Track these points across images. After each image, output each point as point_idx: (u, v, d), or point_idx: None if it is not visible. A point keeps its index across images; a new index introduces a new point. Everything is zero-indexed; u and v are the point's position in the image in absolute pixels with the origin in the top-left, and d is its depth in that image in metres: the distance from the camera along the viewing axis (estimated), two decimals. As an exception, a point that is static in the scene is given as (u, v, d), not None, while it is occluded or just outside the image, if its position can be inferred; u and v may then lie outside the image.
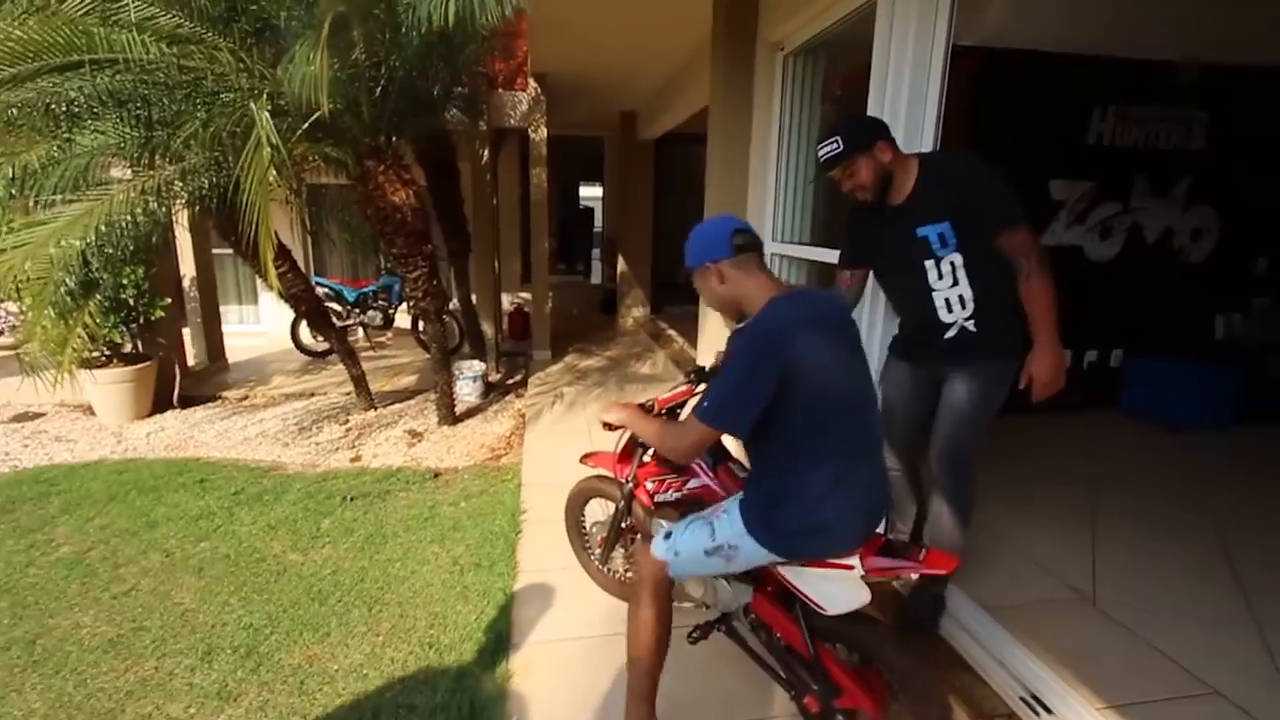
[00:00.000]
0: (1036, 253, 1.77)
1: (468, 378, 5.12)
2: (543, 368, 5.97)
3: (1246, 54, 3.97)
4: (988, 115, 3.58)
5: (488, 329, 5.98)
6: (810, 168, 3.39)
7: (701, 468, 1.90)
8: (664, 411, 2.01)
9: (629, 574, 2.39)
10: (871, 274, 2.18)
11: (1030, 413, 2.18)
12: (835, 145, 1.88)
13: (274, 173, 2.49)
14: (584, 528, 2.56)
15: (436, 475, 3.75)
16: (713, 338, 3.82)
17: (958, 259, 1.83)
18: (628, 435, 2.09)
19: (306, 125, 2.91)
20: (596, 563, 2.47)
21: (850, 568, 1.47)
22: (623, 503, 2.14)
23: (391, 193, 3.60)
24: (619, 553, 2.35)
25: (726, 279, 1.48)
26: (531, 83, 5.62)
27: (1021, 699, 1.79)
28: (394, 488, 3.54)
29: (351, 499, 3.37)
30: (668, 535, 1.67)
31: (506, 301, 7.62)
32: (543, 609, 2.40)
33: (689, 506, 1.95)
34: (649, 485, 2.00)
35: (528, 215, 6.76)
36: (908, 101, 2.29)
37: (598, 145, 8.79)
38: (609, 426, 1.85)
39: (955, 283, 1.85)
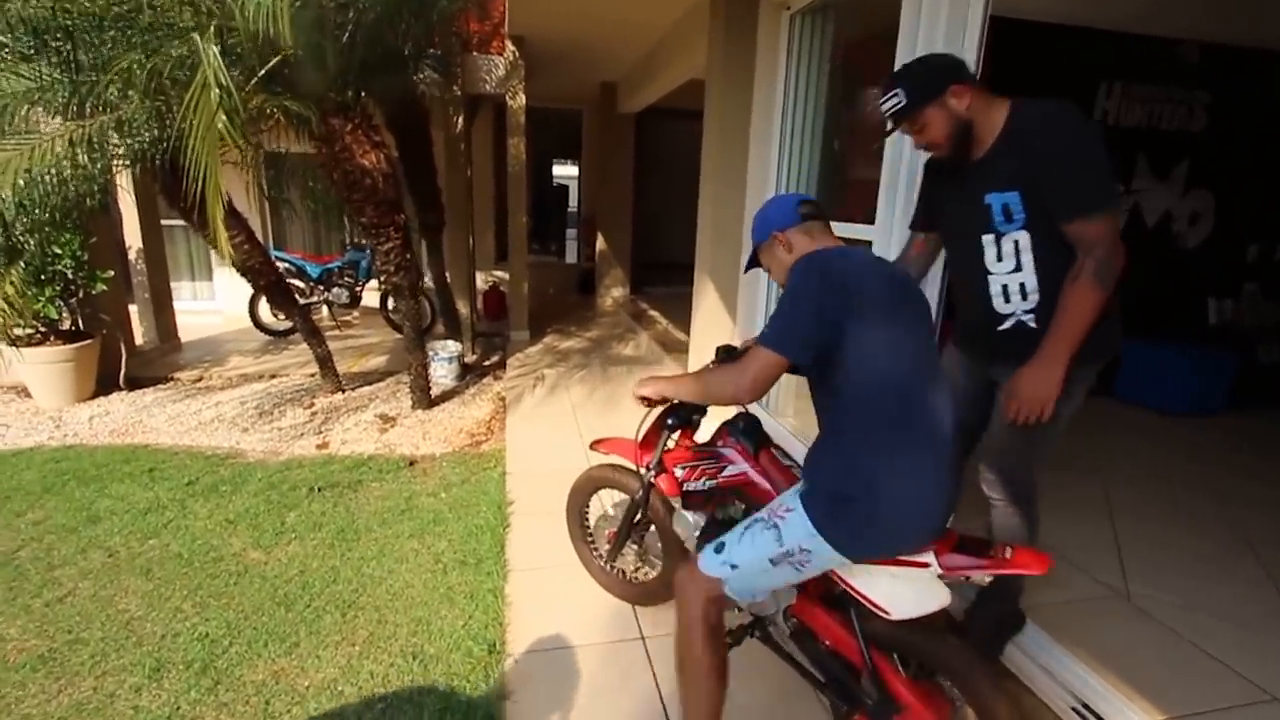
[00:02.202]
0: (1101, 253, 1.42)
1: (443, 359, 4.82)
2: (521, 349, 5.70)
3: (1247, 36, 3.90)
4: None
5: (463, 308, 5.68)
6: (819, 137, 3.19)
7: (741, 452, 1.70)
8: None
9: (638, 573, 2.19)
10: None
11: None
12: (897, 98, 1.58)
13: (224, 121, 2.15)
14: (587, 522, 2.35)
15: (412, 463, 3.48)
16: (708, 320, 3.62)
17: (1023, 239, 1.53)
18: (654, 417, 1.87)
19: (264, 72, 2.57)
20: (601, 561, 2.26)
21: (924, 565, 1.30)
22: (640, 494, 1.94)
23: (360, 155, 3.28)
24: (630, 550, 2.14)
25: (794, 246, 1.45)
26: (509, 46, 5.27)
27: (1073, 709, 1.66)
28: (366, 477, 3.26)
29: (319, 490, 3.09)
30: (719, 548, 1.43)
31: (480, 280, 7.29)
32: (539, 612, 2.19)
33: (723, 498, 1.76)
34: (678, 473, 1.78)
35: (503, 189, 6.44)
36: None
37: (574, 119, 8.44)
38: (647, 401, 1.65)
39: (1017, 267, 1.56)
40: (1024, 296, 1.57)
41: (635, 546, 2.14)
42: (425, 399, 4.29)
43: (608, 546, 2.19)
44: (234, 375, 5.00)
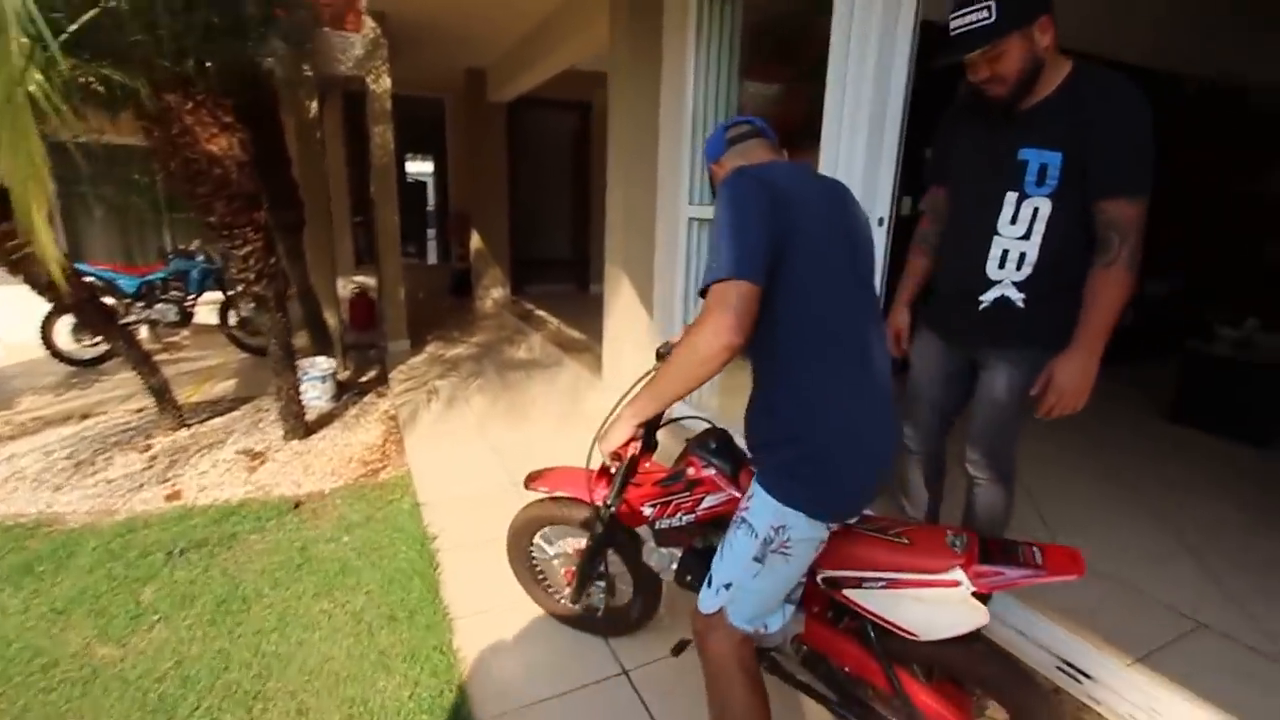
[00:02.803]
0: (1136, 239, 1.39)
1: (315, 378, 4.20)
2: (403, 360, 5.15)
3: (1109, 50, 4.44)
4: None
5: (331, 319, 5.01)
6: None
7: (719, 477, 1.49)
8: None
9: (607, 603, 1.96)
10: None
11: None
12: (986, 13, 1.37)
13: (41, 83, 1.57)
14: (534, 560, 2.08)
15: (298, 505, 2.95)
16: (624, 314, 3.45)
17: (1044, 207, 1.46)
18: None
19: (74, 29, 1.96)
20: (562, 600, 2.01)
21: (954, 584, 1.22)
22: (601, 533, 1.71)
23: (207, 140, 2.68)
24: (595, 586, 1.90)
25: (726, 170, 1.34)
26: (368, 23, 4.70)
27: (1057, 668, 1.72)
28: (241, 529, 2.70)
29: (181, 553, 2.51)
30: (709, 581, 1.32)
31: (341, 286, 6.51)
32: (500, 663, 1.90)
33: (705, 532, 1.58)
34: (647, 511, 1.59)
35: (362, 184, 5.77)
36: (874, 75, 2.09)
37: (432, 108, 7.82)
38: (618, 456, 1.39)
39: (1026, 235, 1.49)
40: (1018, 267, 1.53)
41: (600, 583, 1.92)
42: (300, 427, 3.69)
43: (568, 586, 1.94)
44: (29, 419, 3.99)
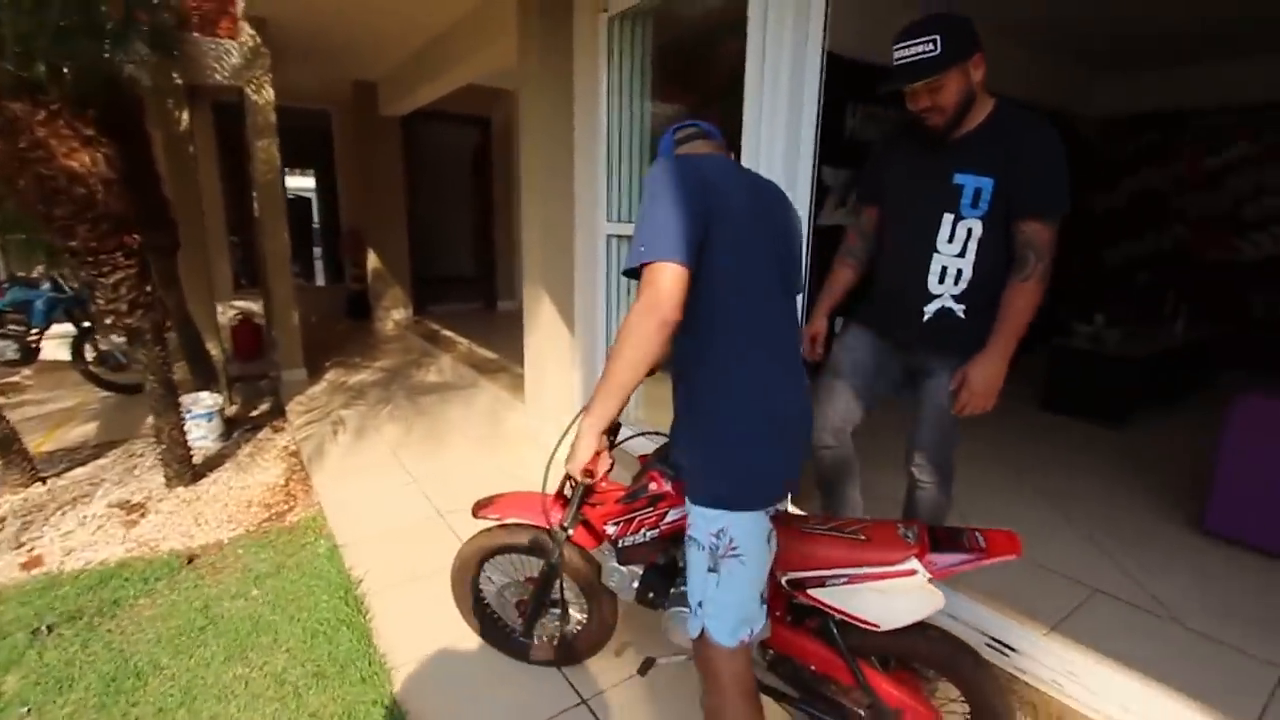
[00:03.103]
0: (1049, 257, 1.55)
1: (200, 416, 3.79)
2: (300, 390, 4.77)
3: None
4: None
5: (213, 349, 4.55)
6: (646, 137, 3.18)
7: (680, 488, 1.52)
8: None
9: (563, 630, 1.90)
10: None
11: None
12: (931, 46, 1.46)
13: None
14: (483, 596, 1.98)
15: (192, 560, 2.65)
16: (546, 331, 3.39)
17: (976, 228, 1.60)
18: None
19: None
20: (515, 635, 1.92)
21: (910, 573, 1.29)
22: (556, 556, 1.67)
23: (66, 155, 2.35)
24: (549, 613, 1.84)
25: None
26: (246, 29, 4.35)
27: (986, 644, 1.86)
28: (125, 593, 2.38)
29: (49, 629, 2.17)
30: (691, 606, 1.34)
31: (221, 312, 5.94)
32: (453, 710, 1.79)
33: (665, 545, 1.58)
34: (610, 529, 1.57)
35: (241, 201, 5.32)
36: (788, 97, 2.22)
37: (315, 121, 7.34)
38: (589, 472, 1.34)
39: (962, 253, 1.62)
40: (956, 282, 1.65)
41: (554, 610, 1.86)
42: (186, 471, 3.31)
43: (520, 619, 1.87)
44: None
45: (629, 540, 1.54)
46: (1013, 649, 1.83)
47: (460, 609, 1.99)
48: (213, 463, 3.61)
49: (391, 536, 2.73)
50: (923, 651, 1.42)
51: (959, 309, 1.67)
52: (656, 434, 1.65)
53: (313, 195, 9.12)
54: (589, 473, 1.31)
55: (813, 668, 1.48)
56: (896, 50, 1.53)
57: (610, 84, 3.10)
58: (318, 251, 9.03)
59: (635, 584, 1.62)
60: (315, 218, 9.15)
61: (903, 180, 1.74)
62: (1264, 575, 2.29)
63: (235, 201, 6.31)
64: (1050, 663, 1.78)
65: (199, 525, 2.95)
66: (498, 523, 1.79)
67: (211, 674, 1.95)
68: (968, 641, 1.77)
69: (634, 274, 1.18)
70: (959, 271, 1.65)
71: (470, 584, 1.93)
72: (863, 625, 1.35)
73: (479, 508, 1.79)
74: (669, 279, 1.12)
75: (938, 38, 1.46)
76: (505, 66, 4.89)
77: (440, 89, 5.19)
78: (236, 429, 4.14)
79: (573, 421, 1.45)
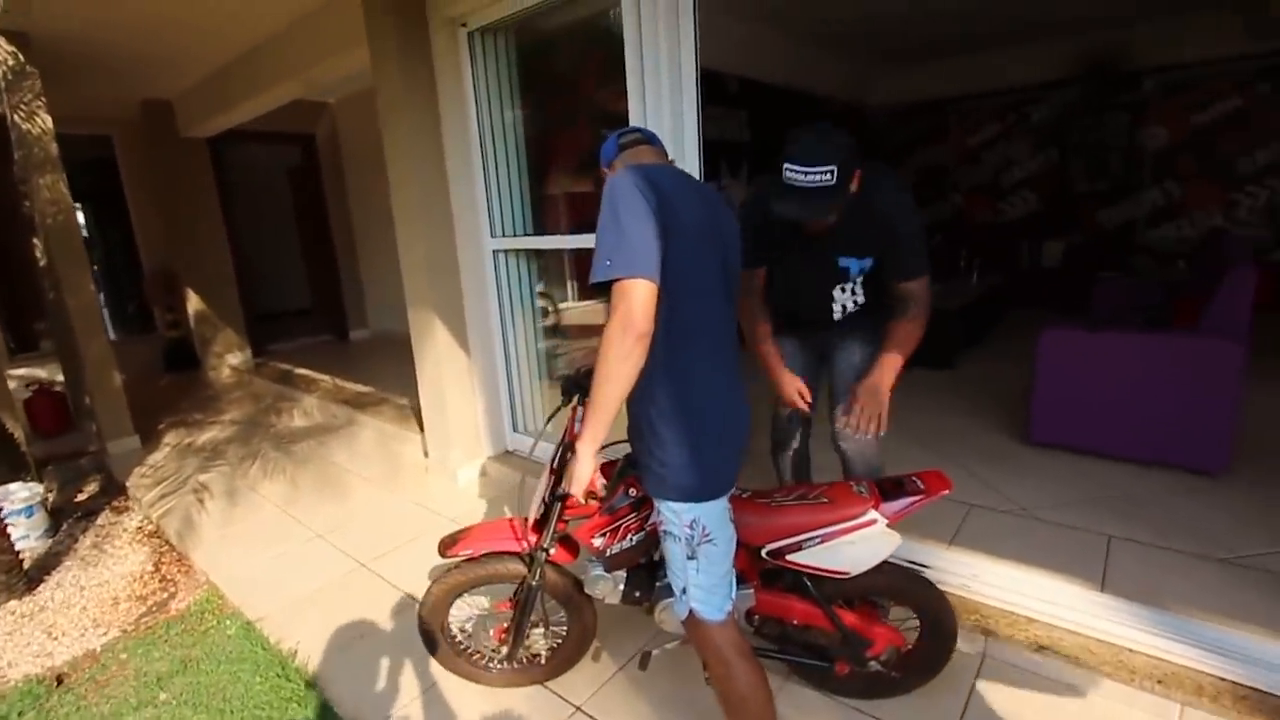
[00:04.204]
0: (925, 301, 1.75)
1: (17, 513, 3.15)
2: (137, 462, 4.12)
3: (766, 74, 5.45)
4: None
5: (13, 428, 3.78)
6: (523, 155, 3.18)
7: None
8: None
9: (548, 647, 1.91)
10: None
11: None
12: (828, 177, 1.49)
13: None
14: (452, 633, 1.93)
15: (61, 680, 2.24)
16: (441, 356, 3.28)
17: (861, 280, 1.85)
18: (545, 489, 1.64)
19: None
20: (499, 663, 1.90)
21: (871, 523, 1.51)
22: (537, 579, 1.69)
23: None
24: (534, 633, 1.85)
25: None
26: (5, 47, 3.64)
27: (908, 566, 2.16)
28: (-17, 740, 1.97)
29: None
30: (675, 592, 1.46)
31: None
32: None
33: (650, 548, 1.67)
34: (597, 542, 1.63)
35: (28, 246, 4.41)
36: (670, 112, 2.38)
37: (96, 149, 6.26)
38: (592, 493, 1.40)
39: (854, 294, 1.87)
40: (855, 306, 1.91)
41: (538, 629, 1.88)
42: (18, 580, 2.76)
43: (503, 647, 1.85)
44: None
45: (616, 548, 1.61)
46: (928, 566, 2.16)
47: (434, 650, 1.92)
48: (47, 564, 3.04)
49: (315, 600, 2.52)
50: (881, 585, 1.65)
51: (857, 309, 1.94)
52: (615, 444, 1.72)
53: (84, 232, 7.77)
54: (591, 493, 1.36)
55: (795, 621, 1.66)
56: (791, 172, 1.54)
57: (479, 99, 3.06)
58: (101, 299, 7.73)
59: (621, 587, 1.70)
60: (90, 261, 7.82)
61: (791, 256, 1.86)
62: (1083, 468, 2.89)
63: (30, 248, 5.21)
64: (957, 570, 2.13)
65: (55, 639, 2.49)
66: (468, 557, 1.76)
67: (145, 797, 1.70)
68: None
69: (599, 287, 1.23)
70: (856, 302, 1.91)
71: (441, 624, 1.88)
72: (834, 576, 1.55)
73: (447, 546, 1.74)
74: (641, 295, 1.18)
75: (834, 168, 1.49)
76: (343, 78, 4.60)
77: (260, 107, 4.71)
78: (65, 519, 3.50)
79: (557, 451, 1.51)
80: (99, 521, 3.49)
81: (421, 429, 3.74)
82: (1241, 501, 2.53)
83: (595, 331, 3.96)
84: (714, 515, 1.37)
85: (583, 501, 1.37)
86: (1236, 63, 5.82)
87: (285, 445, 4.29)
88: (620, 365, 1.20)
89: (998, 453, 3.15)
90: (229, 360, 6.44)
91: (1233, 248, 3.33)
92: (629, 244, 1.19)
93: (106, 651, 2.37)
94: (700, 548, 1.37)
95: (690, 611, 1.41)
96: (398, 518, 3.14)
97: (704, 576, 1.39)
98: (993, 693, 1.80)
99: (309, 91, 4.42)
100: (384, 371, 5.52)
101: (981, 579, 2.10)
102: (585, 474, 1.31)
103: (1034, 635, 1.88)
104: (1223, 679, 1.67)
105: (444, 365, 3.31)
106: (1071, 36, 6.17)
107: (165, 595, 2.74)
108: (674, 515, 1.37)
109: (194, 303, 6.26)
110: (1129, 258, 6.48)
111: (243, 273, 6.50)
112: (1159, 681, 1.68)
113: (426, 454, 3.67)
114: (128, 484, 3.81)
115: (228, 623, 2.44)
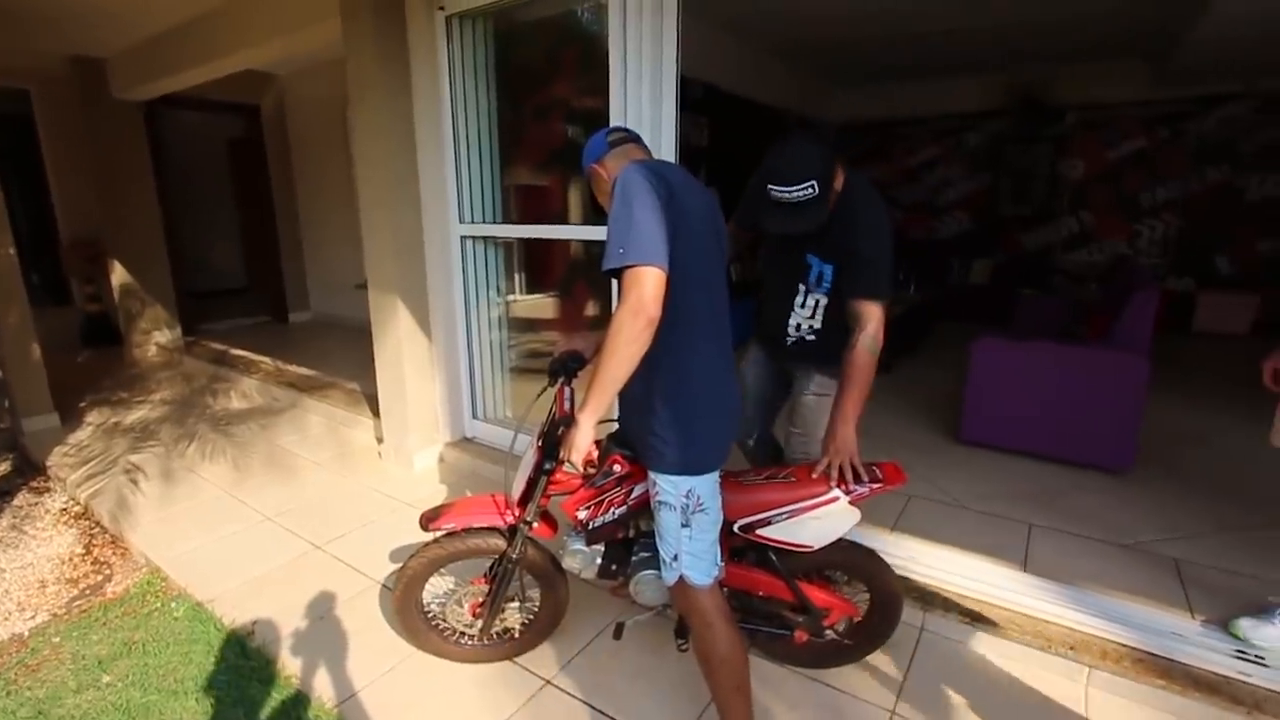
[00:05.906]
0: (875, 329, 1.68)
1: (-75, 490, 2.92)
2: (56, 440, 3.86)
3: (728, 82, 5.63)
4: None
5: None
6: (496, 137, 3.20)
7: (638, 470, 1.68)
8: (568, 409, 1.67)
9: (527, 623, 1.96)
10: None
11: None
12: (810, 190, 1.55)
13: None
14: (428, 611, 1.95)
15: (-13, 663, 2.12)
16: (402, 340, 3.24)
17: (823, 300, 1.83)
18: (532, 463, 1.69)
19: None
20: (474, 638, 1.93)
21: (835, 499, 1.64)
22: (518, 552, 1.75)
23: None
24: (509, 607, 1.90)
25: (610, 170, 1.50)
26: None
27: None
28: (-98, 725, 1.84)
29: None
30: (662, 561, 1.55)
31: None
32: (421, 726, 1.76)
33: (629, 522, 1.75)
34: (581, 514, 1.70)
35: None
36: (649, 112, 2.47)
37: (10, 104, 5.78)
38: (590, 462, 1.46)
39: (812, 316, 1.88)
40: (809, 331, 1.94)
41: (514, 603, 1.93)
42: (-71, 561, 2.57)
43: (477, 621, 1.89)
44: None
45: (599, 521, 1.69)
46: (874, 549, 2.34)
47: (405, 628, 1.93)
48: (-40, 546, 2.83)
49: (268, 581, 2.46)
50: (838, 560, 1.79)
51: (811, 338, 1.95)
52: (603, 422, 1.80)
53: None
54: (590, 462, 1.43)
55: (760, 593, 1.78)
56: (776, 192, 1.61)
57: (454, 85, 3.06)
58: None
59: (598, 561, 1.77)
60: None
61: (771, 235, 1.92)
62: (1007, 464, 3.18)
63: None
64: (898, 552, 2.31)
65: (-22, 622, 2.34)
66: (451, 530, 1.79)
67: (96, 776, 1.65)
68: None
69: (612, 273, 1.32)
70: (810, 327, 1.93)
71: (416, 600, 1.90)
72: (798, 550, 1.68)
73: (429, 520, 1.77)
74: (652, 281, 1.27)
75: (815, 181, 1.56)
76: (307, 52, 4.45)
77: (211, 73, 4.49)
78: (-23, 500, 3.25)
79: (544, 427, 1.59)
80: (14, 503, 3.26)
81: (376, 414, 3.68)
82: (1142, 496, 2.85)
83: (549, 325, 4.02)
84: (707, 487, 1.48)
85: (580, 470, 1.44)
86: (1143, 106, 6.44)
87: (224, 427, 4.12)
88: (629, 347, 1.29)
89: (932, 449, 3.40)
90: (156, 338, 6.07)
91: (1137, 273, 3.72)
92: (641, 233, 1.27)
93: (36, 635, 2.26)
94: (694, 516, 1.47)
95: (680, 577, 1.50)
96: (352, 502, 3.09)
97: (695, 543, 1.49)
98: (931, 659, 1.98)
99: (266, 63, 4.25)
100: (330, 355, 5.36)
101: (920, 560, 2.29)
102: (585, 443, 1.39)
103: (966, 609, 2.07)
104: (1124, 645, 1.90)
105: (404, 349, 3.28)
106: (1006, 70, 6.66)
107: (100, 578, 2.61)
108: (671, 486, 1.46)
109: (119, 275, 5.87)
110: (1048, 277, 7.04)
111: (175, 246, 6.14)
112: (1071, 647, 1.90)
113: (380, 439, 3.61)
114: (48, 463, 3.57)
115: (174, 605, 2.36)
